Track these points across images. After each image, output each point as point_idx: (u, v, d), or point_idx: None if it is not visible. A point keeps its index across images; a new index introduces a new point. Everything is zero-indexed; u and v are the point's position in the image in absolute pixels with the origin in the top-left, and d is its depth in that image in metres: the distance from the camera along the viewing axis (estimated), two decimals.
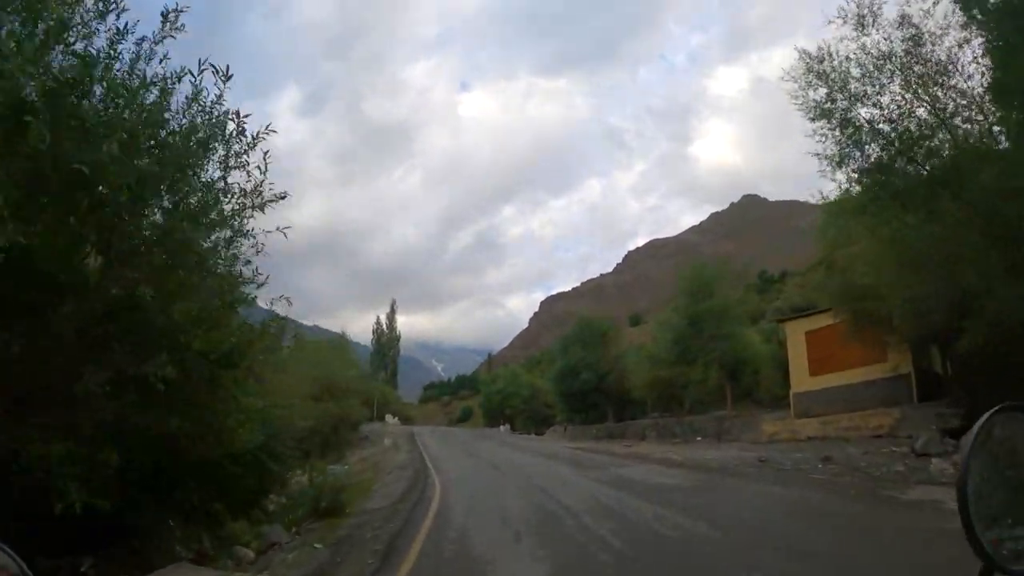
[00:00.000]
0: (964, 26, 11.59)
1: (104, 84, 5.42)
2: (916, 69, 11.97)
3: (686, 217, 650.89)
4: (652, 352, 34.71)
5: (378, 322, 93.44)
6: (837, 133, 12.72)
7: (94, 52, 5.37)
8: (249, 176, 6.24)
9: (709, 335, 29.76)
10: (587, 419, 44.40)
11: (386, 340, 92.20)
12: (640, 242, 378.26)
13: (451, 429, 56.47)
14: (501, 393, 63.21)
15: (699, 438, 26.12)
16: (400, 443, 33.08)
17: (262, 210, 6.40)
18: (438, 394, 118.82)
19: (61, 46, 5.21)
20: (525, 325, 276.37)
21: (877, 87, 12.45)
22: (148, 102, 5.62)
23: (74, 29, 5.29)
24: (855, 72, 12.43)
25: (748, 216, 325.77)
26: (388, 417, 59.49)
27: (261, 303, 7.21)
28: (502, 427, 56.55)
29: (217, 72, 5.73)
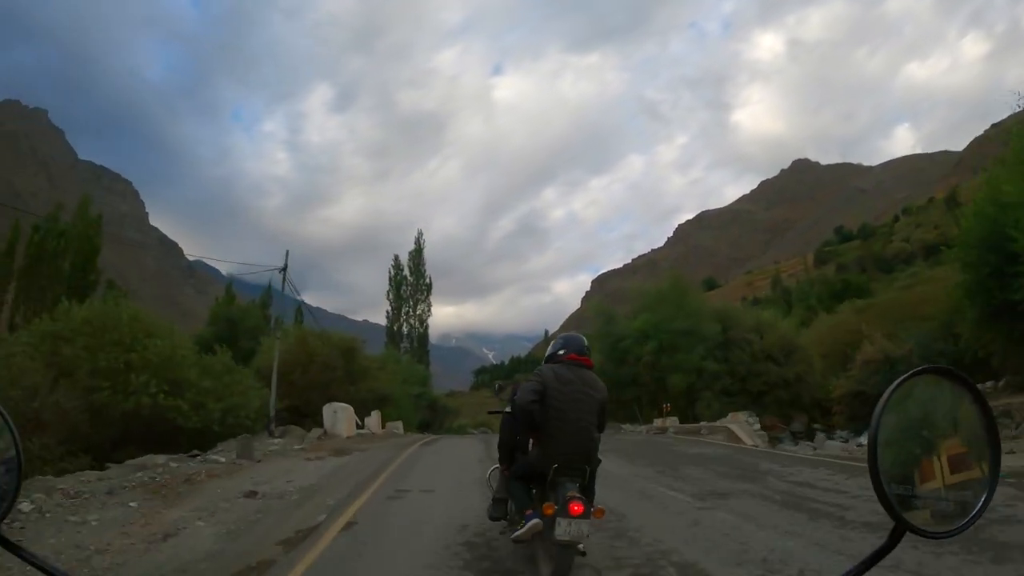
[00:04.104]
0: None
1: None
2: None
3: (731, 188, 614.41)
4: None
5: (396, 264, 55.50)
6: None
7: None
8: None
9: None
10: None
11: (409, 292, 54.37)
12: (688, 215, 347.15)
13: None
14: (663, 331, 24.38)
15: None
16: None
17: None
18: (491, 379, 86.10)
19: None
20: (575, 307, 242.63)
21: None
22: None
23: None
24: None
25: (801, 181, 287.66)
26: (335, 410, 17.91)
27: None
28: (747, 420, 17.28)
29: None
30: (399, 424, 23.22)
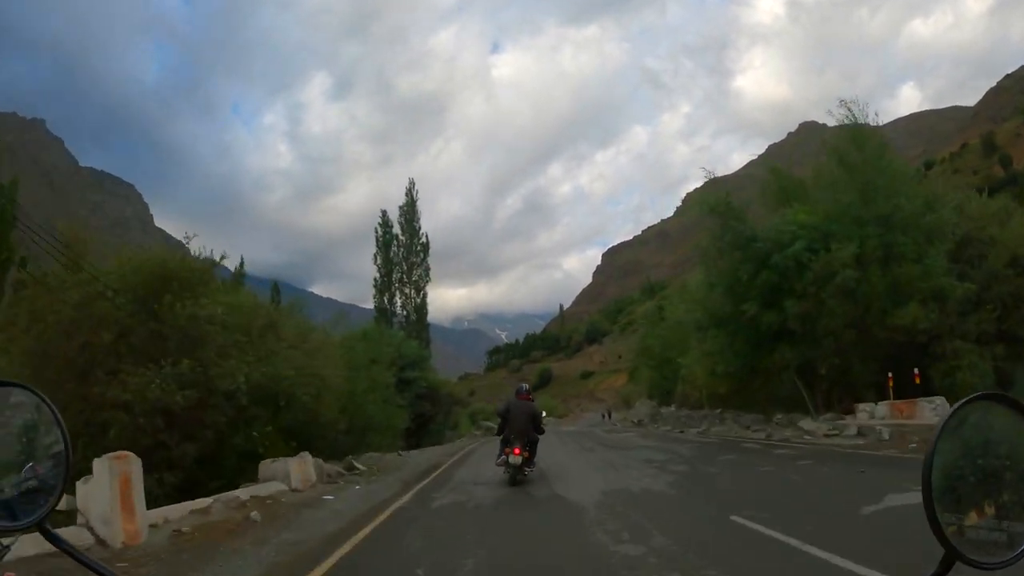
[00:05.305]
0: None
1: None
2: None
3: (738, 154, 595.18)
4: None
5: (384, 221, 43.58)
6: None
7: None
8: None
9: None
10: None
11: (402, 255, 42.65)
12: (696, 183, 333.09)
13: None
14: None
15: None
16: None
17: None
18: (506, 359, 76.37)
19: None
20: (587, 282, 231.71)
21: None
22: None
23: None
24: None
25: (810, 144, 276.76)
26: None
27: None
28: None
29: None
30: (296, 464, 10.02)
